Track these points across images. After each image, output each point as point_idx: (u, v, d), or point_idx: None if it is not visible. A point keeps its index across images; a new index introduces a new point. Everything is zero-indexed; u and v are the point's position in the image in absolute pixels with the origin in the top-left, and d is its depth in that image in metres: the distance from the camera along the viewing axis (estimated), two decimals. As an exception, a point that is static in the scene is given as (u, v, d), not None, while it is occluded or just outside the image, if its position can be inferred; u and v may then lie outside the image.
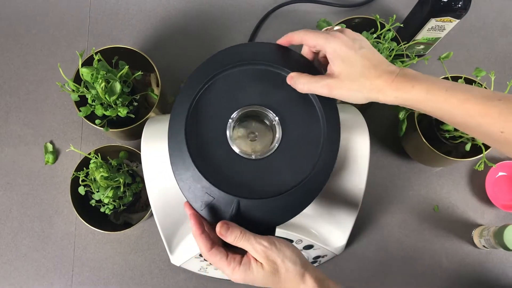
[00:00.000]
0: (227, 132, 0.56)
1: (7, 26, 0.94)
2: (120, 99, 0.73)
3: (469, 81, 0.78)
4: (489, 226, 0.85)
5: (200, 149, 0.55)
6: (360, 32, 0.76)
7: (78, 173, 0.77)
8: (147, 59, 0.80)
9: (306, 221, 0.77)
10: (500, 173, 0.90)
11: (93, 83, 0.71)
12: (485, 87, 0.76)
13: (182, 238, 0.76)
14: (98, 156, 0.75)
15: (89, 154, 0.77)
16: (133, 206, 0.84)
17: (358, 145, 0.66)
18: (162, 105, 0.84)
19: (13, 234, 0.87)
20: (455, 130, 0.76)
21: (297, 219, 0.75)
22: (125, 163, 0.82)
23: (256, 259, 0.52)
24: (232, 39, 0.95)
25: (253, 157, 0.56)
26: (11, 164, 0.89)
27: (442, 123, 0.77)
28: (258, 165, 0.56)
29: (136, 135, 0.84)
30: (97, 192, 0.75)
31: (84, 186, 0.77)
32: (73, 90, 0.74)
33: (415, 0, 0.84)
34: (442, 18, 0.78)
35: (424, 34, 0.83)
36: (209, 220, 0.55)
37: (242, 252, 0.53)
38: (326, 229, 0.78)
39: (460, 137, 0.77)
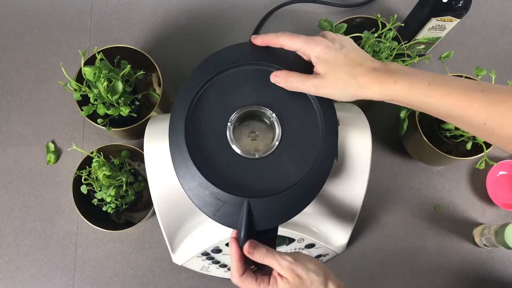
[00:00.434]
0: (228, 135, 0.57)
1: (9, 26, 0.95)
2: (122, 98, 0.74)
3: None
4: (490, 225, 0.85)
5: (203, 155, 0.56)
6: (361, 32, 0.76)
7: (81, 171, 0.77)
8: (148, 59, 0.81)
9: (308, 220, 0.77)
10: (501, 172, 0.90)
11: (95, 82, 0.71)
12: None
13: (184, 237, 0.77)
14: (101, 155, 0.75)
15: (92, 153, 0.77)
16: (135, 205, 0.84)
17: (360, 144, 0.67)
18: (164, 105, 0.84)
19: (15, 233, 0.87)
20: (456, 129, 0.76)
21: (299, 218, 0.75)
22: (127, 162, 0.82)
23: (281, 275, 0.53)
24: (233, 39, 0.95)
25: (257, 156, 0.56)
26: (12, 164, 0.89)
27: (443, 122, 0.77)
28: (262, 163, 0.56)
29: (137, 134, 0.84)
30: (100, 191, 0.75)
31: (86, 185, 0.77)
32: (75, 89, 0.74)
33: (415, 0, 0.84)
34: (443, 17, 0.78)
35: (424, 34, 0.84)
36: (223, 224, 0.56)
37: (267, 272, 0.56)
38: (328, 228, 0.79)
39: (461, 136, 0.77)
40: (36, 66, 0.93)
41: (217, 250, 0.77)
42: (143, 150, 0.79)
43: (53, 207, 0.88)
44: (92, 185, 0.77)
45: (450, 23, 0.80)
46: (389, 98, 0.53)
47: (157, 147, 0.65)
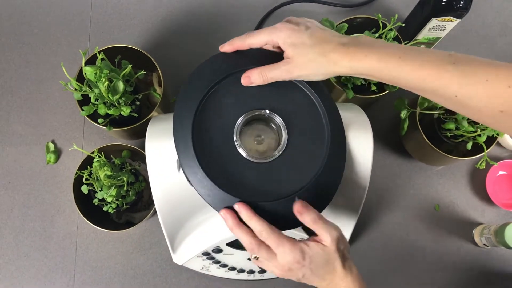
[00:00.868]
0: (235, 140, 0.57)
1: (9, 25, 0.94)
2: (123, 98, 0.73)
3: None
4: (490, 225, 0.86)
5: (212, 162, 0.56)
6: (362, 32, 0.77)
7: (82, 171, 0.77)
8: (149, 59, 0.81)
9: (308, 220, 0.77)
10: (501, 172, 0.90)
11: (96, 82, 0.71)
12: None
13: (184, 237, 0.77)
14: (102, 155, 0.75)
15: (92, 153, 0.77)
16: (135, 205, 0.84)
17: (361, 144, 0.67)
18: (164, 105, 0.84)
19: (14, 233, 0.87)
20: (457, 129, 0.76)
21: (299, 218, 0.75)
22: (128, 162, 0.82)
23: (323, 243, 0.52)
24: (234, 39, 0.95)
25: (267, 159, 0.56)
26: (12, 164, 0.89)
27: (444, 122, 0.78)
28: (270, 167, 0.56)
29: (138, 134, 0.84)
30: (100, 191, 0.75)
31: (87, 185, 0.77)
32: (76, 89, 0.74)
33: (416, 0, 0.84)
34: (443, 17, 0.78)
35: (425, 34, 0.84)
36: None
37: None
38: (328, 228, 0.79)
39: (462, 136, 0.77)
40: (36, 65, 0.93)
41: (218, 250, 0.77)
42: (143, 150, 0.79)
43: (53, 207, 0.88)
44: (93, 185, 0.77)
45: (450, 23, 0.80)
46: (360, 72, 0.53)
47: (158, 147, 0.64)
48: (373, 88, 0.78)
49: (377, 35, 0.75)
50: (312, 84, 0.58)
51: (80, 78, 0.76)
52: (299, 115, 0.58)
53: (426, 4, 0.79)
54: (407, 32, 0.86)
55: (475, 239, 0.88)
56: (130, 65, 0.73)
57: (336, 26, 0.77)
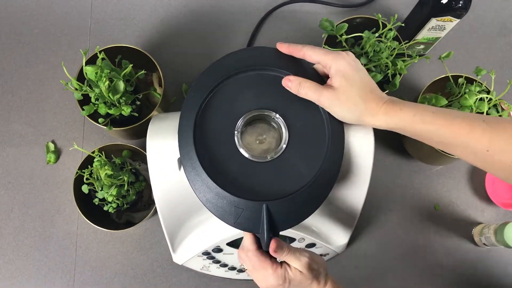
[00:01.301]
0: (236, 141, 0.58)
1: (9, 25, 0.94)
2: (123, 98, 0.74)
3: (469, 80, 0.79)
4: (489, 224, 0.86)
5: (215, 165, 0.57)
6: (362, 32, 0.77)
7: (83, 171, 0.77)
8: (149, 59, 0.81)
9: (309, 220, 0.76)
10: None
11: (97, 82, 0.71)
12: (485, 86, 0.77)
13: (185, 236, 0.77)
14: (102, 154, 0.75)
15: (93, 152, 0.77)
16: (135, 205, 0.84)
17: (362, 143, 0.67)
18: (164, 105, 0.84)
19: (14, 233, 0.87)
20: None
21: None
22: (128, 162, 0.82)
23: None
24: (233, 38, 0.95)
25: (268, 158, 0.57)
26: (12, 164, 0.89)
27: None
28: (273, 166, 0.57)
29: (138, 134, 0.84)
30: (101, 190, 0.75)
31: (88, 184, 0.77)
32: (77, 89, 0.74)
33: (415, 0, 0.85)
34: (443, 17, 0.79)
35: (424, 34, 0.84)
36: (244, 230, 0.57)
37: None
38: (329, 228, 0.79)
39: (461, 135, 0.77)
40: (36, 65, 0.93)
41: (218, 250, 0.78)
42: (143, 150, 0.79)
43: (53, 207, 0.88)
44: (93, 185, 0.77)
45: (450, 23, 0.80)
46: (393, 126, 0.56)
47: (159, 146, 0.65)
48: (373, 87, 0.78)
49: (376, 34, 0.75)
50: None
51: (80, 78, 0.76)
52: (298, 112, 0.59)
53: (426, 4, 0.79)
54: (407, 32, 0.86)
55: (475, 238, 0.88)
56: (131, 65, 0.73)
57: (336, 26, 0.77)
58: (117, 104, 0.74)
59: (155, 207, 0.75)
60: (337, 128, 0.59)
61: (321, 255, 0.82)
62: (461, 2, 0.75)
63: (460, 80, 0.78)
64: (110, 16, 0.95)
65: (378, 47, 0.76)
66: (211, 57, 0.94)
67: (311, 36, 0.96)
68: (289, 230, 0.75)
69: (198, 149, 0.56)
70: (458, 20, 0.79)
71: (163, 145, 0.64)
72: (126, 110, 0.74)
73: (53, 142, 0.90)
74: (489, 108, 0.73)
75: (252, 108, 0.58)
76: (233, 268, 0.82)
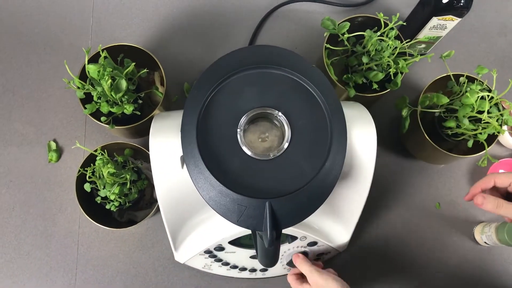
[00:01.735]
0: (239, 139, 0.57)
1: (10, 24, 0.94)
2: (125, 97, 0.74)
3: (471, 79, 0.79)
4: (491, 223, 0.86)
5: (218, 163, 0.56)
6: (363, 31, 0.77)
7: (85, 169, 0.77)
8: (151, 57, 0.81)
9: (310, 218, 0.76)
10: (501, 170, 0.91)
11: (99, 80, 0.71)
12: (487, 85, 0.77)
13: (187, 234, 0.77)
14: (105, 153, 0.75)
15: (95, 150, 0.77)
16: (137, 204, 0.84)
17: (364, 141, 0.67)
18: (166, 103, 0.84)
19: (16, 232, 0.87)
20: (458, 127, 0.77)
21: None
22: (130, 161, 0.82)
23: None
24: (235, 37, 0.96)
25: (271, 156, 0.57)
26: (14, 162, 0.89)
27: (445, 120, 0.78)
28: (276, 163, 0.57)
29: (140, 133, 0.84)
30: (103, 189, 0.75)
31: (90, 183, 0.77)
32: (79, 87, 0.74)
33: (416, 0, 0.85)
34: (444, 16, 0.79)
35: (426, 33, 0.84)
36: (247, 228, 0.57)
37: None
38: (330, 227, 0.79)
39: (462, 134, 0.77)
40: (37, 64, 0.93)
41: (220, 248, 0.78)
42: (146, 149, 0.79)
43: (54, 206, 0.88)
44: (95, 183, 0.77)
45: (451, 22, 0.81)
46: None
47: (162, 144, 0.65)
48: (375, 86, 0.78)
49: (378, 33, 0.76)
50: (318, 83, 0.59)
51: (82, 76, 0.76)
52: (300, 109, 0.59)
53: (427, 3, 0.79)
54: (408, 31, 0.86)
55: (476, 237, 0.89)
56: (133, 63, 0.73)
57: (338, 25, 0.77)
58: (119, 103, 0.74)
59: (157, 206, 0.75)
60: (340, 126, 0.59)
61: (322, 253, 0.82)
62: (462, 1, 0.76)
63: (461, 79, 0.79)
64: (112, 15, 0.95)
65: (380, 46, 0.76)
66: (213, 56, 0.94)
67: (312, 35, 0.96)
68: (291, 228, 0.75)
69: (201, 147, 0.56)
70: (459, 19, 0.79)
71: (165, 143, 0.64)
72: (128, 109, 0.74)
73: (54, 140, 0.90)
74: (490, 107, 0.73)
75: (254, 106, 0.58)
76: (235, 267, 0.82)
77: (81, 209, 0.78)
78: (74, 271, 0.86)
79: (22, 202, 0.88)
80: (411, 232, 0.90)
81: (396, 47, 0.75)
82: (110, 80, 0.70)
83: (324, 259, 0.84)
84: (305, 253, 0.81)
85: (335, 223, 0.78)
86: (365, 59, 0.77)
